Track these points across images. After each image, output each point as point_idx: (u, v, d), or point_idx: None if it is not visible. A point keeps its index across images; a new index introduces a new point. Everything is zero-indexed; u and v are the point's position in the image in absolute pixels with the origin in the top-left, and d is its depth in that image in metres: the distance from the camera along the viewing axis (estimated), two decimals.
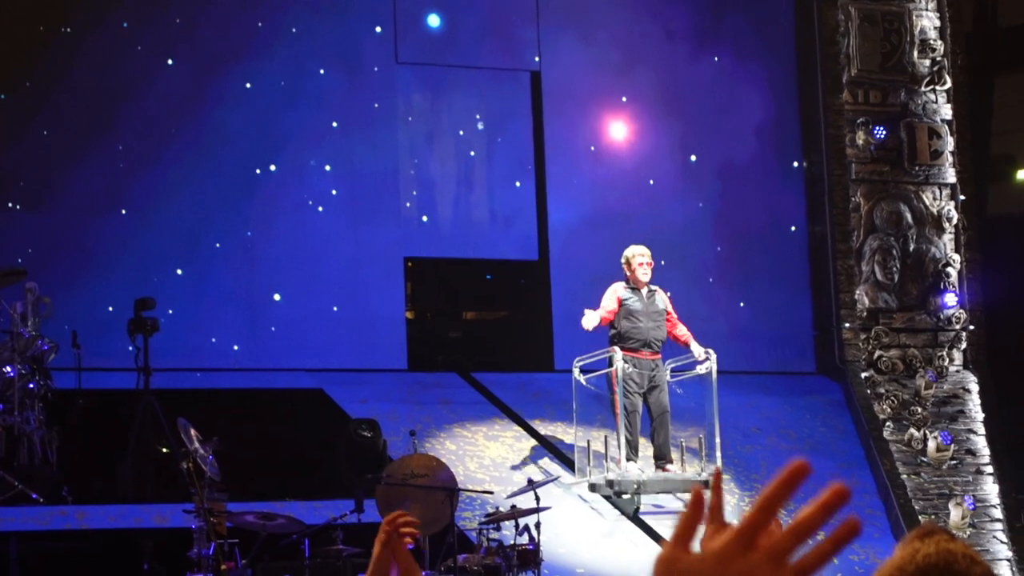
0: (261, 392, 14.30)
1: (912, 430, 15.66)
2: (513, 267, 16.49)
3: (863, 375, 16.16)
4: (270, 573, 10.44)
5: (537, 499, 10.97)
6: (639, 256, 13.32)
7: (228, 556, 9.77)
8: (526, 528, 10.86)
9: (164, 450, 11.68)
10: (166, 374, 13.11)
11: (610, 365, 13.11)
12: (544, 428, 14.30)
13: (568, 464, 13.70)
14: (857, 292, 16.44)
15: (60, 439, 11.79)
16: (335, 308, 15.25)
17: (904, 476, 15.26)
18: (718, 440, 13.15)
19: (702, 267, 16.54)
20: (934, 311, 16.56)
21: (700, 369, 13.36)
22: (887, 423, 15.72)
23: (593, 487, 13.19)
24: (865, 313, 16.44)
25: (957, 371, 16.50)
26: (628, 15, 16.54)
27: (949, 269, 16.68)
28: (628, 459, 13.04)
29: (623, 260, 13.45)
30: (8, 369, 11.50)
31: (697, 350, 13.32)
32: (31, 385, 11.59)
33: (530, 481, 11.25)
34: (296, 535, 10.22)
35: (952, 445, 15.58)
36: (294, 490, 11.95)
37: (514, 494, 11.27)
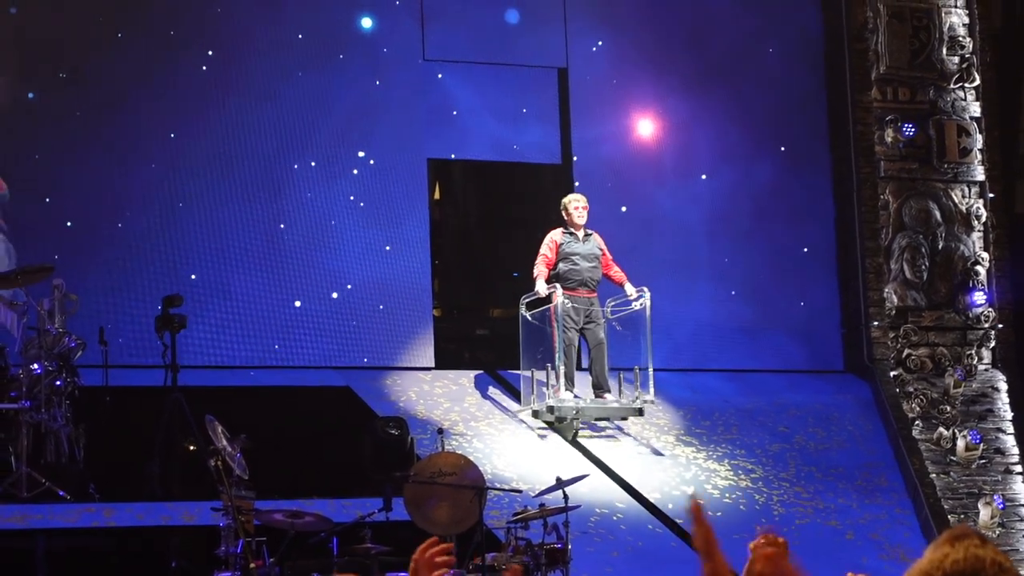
0: (289, 390, 14.26)
1: (941, 429, 15.58)
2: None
3: (892, 374, 16.08)
4: (298, 571, 10.39)
5: (566, 498, 10.92)
6: (575, 202, 14.38)
7: (256, 554, 9.72)
8: (555, 527, 10.80)
9: (191, 447, 11.63)
10: (193, 371, 13.08)
11: (550, 302, 14.08)
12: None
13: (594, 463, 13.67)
14: (886, 290, 16.36)
15: (87, 436, 11.77)
16: (381, 307, 15.22)
17: (933, 475, 15.18)
18: (651, 370, 14.15)
19: (736, 265, 16.48)
20: (963, 309, 16.47)
21: (635, 305, 14.36)
22: (916, 422, 15.64)
23: (536, 413, 14.25)
24: (894, 311, 16.36)
25: (986, 370, 16.42)
26: (652, 13, 16.47)
27: (978, 267, 16.60)
28: (565, 389, 14.00)
29: (561, 207, 14.42)
30: (35, 366, 11.47)
31: (630, 290, 14.37)
32: (58, 382, 11.56)
33: (559, 480, 11.18)
34: (324, 533, 10.18)
35: (981, 444, 15.49)
36: (322, 488, 11.91)
37: (543, 492, 11.21)
